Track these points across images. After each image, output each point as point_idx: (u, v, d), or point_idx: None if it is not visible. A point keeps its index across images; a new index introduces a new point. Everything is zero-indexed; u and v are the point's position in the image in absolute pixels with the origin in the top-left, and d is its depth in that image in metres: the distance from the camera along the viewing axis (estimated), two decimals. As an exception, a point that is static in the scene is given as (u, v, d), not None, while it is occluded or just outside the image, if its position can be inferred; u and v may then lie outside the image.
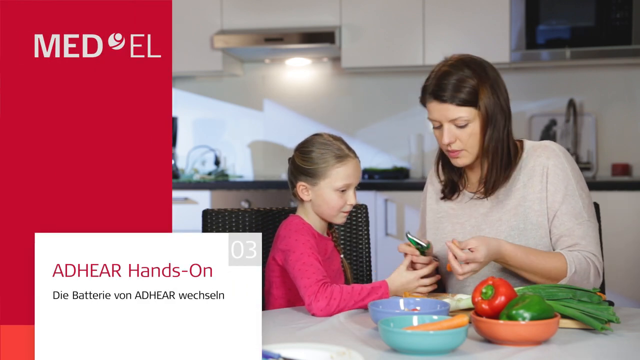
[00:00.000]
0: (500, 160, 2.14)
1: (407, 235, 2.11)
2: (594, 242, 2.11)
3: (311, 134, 2.25)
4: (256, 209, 2.52)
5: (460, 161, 2.16)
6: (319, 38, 4.45)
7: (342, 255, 2.28)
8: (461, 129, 2.11)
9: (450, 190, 2.26)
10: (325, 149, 2.16)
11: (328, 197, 2.16)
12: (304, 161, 2.18)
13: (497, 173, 2.15)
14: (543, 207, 2.13)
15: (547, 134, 4.62)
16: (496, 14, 4.34)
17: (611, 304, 1.85)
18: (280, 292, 2.22)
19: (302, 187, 2.18)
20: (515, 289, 1.80)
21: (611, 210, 3.75)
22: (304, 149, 2.20)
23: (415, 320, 1.68)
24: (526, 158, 2.18)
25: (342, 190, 2.16)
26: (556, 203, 2.12)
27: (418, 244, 2.08)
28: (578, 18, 4.28)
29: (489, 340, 1.68)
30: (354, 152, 2.20)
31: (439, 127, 2.14)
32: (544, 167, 2.14)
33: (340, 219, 2.21)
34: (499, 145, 2.13)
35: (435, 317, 1.69)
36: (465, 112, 2.09)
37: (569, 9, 4.28)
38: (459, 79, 2.10)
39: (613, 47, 4.21)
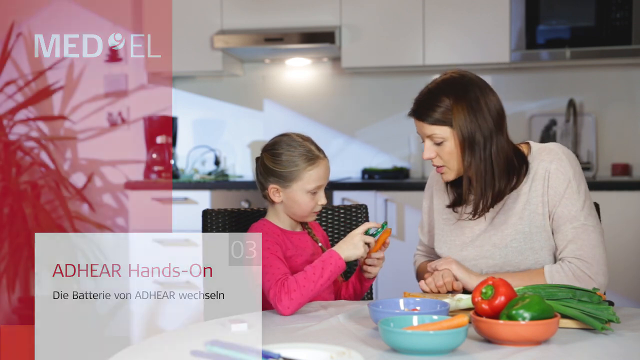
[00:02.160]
0: (484, 182, 2.13)
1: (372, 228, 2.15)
2: (587, 245, 2.09)
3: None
4: (256, 209, 2.52)
5: (444, 177, 2.20)
6: (319, 38, 4.45)
7: (320, 244, 2.29)
8: (439, 146, 2.14)
9: (456, 202, 2.27)
10: (295, 151, 2.17)
11: (300, 199, 2.18)
12: (275, 164, 2.18)
13: (484, 194, 2.14)
14: (545, 210, 2.14)
15: (547, 134, 4.62)
16: (496, 14, 4.34)
17: (611, 304, 1.85)
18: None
19: (273, 190, 2.19)
20: (515, 289, 1.80)
21: (611, 210, 3.75)
22: (273, 151, 2.19)
23: (415, 320, 1.68)
24: (532, 162, 2.18)
25: (314, 192, 2.18)
26: (554, 207, 2.13)
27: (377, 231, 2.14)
28: (578, 18, 4.27)
29: (489, 340, 1.68)
30: (323, 152, 2.21)
31: (423, 141, 2.17)
32: (546, 171, 2.15)
33: (311, 218, 2.24)
34: (483, 167, 2.12)
35: (435, 317, 1.69)
36: (438, 130, 2.12)
37: (569, 9, 4.27)
38: (435, 98, 2.12)
39: (613, 47, 4.21)
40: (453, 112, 2.10)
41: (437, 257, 2.34)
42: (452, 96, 2.11)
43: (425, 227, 2.42)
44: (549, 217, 2.14)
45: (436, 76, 2.22)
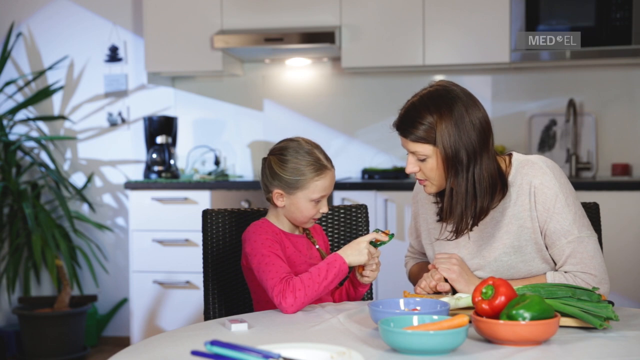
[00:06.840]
0: (464, 203, 2.08)
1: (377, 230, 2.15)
2: (586, 257, 2.09)
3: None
4: (256, 209, 2.52)
5: (427, 189, 2.17)
6: (319, 38, 4.45)
7: (317, 246, 2.29)
8: (422, 161, 2.11)
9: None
10: (303, 159, 2.16)
11: (303, 206, 2.18)
12: (281, 169, 2.17)
13: (464, 215, 2.09)
14: (535, 225, 2.12)
15: (547, 134, 4.62)
16: (496, 14, 4.34)
17: (611, 303, 1.85)
18: (257, 297, 2.24)
19: (277, 194, 2.20)
20: (515, 288, 1.80)
21: (611, 210, 3.75)
22: (281, 156, 2.19)
23: (415, 320, 1.68)
24: (515, 174, 2.15)
25: (317, 201, 2.18)
26: (545, 223, 2.11)
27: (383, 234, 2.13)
28: (578, 18, 4.27)
29: (489, 340, 1.68)
30: (330, 162, 2.22)
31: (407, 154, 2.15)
32: (531, 187, 2.11)
33: (309, 225, 2.26)
34: (465, 187, 2.07)
35: (435, 317, 1.69)
36: (421, 148, 2.09)
37: (569, 9, 4.27)
38: (418, 115, 2.07)
39: (613, 47, 4.20)
40: (437, 130, 2.05)
41: (428, 259, 2.34)
42: (436, 113, 2.05)
43: (413, 232, 2.41)
44: (541, 233, 2.12)
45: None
